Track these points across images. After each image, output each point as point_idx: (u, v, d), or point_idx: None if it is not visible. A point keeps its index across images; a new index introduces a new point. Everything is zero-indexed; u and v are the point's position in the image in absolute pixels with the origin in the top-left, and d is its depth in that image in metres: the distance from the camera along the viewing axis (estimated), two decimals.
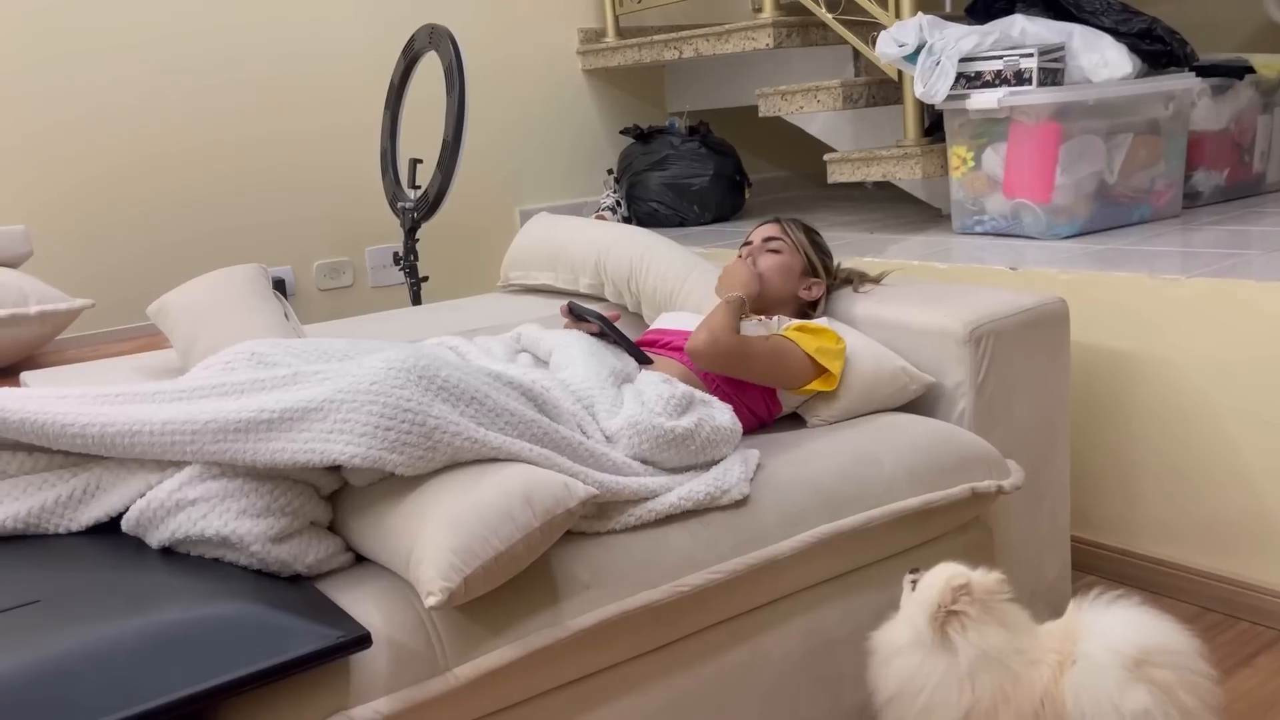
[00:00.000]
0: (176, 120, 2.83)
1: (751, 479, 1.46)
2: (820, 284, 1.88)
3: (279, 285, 2.94)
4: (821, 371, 1.66)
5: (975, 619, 1.26)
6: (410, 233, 2.74)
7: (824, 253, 1.92)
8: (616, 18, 3.45)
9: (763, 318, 1.79)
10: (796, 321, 1.75)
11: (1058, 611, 1.88)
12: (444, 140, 2.56)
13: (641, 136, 3.38)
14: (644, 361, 1.65)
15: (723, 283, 1.77)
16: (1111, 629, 1.25)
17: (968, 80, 2.42)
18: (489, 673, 1.19)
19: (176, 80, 2.81)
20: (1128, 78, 2.43)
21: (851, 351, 1.72)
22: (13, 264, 2.34)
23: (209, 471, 1.22)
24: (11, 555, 1.22)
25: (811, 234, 1.92)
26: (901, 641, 1.31)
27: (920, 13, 2.54)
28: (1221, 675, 1.72)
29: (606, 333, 1.67)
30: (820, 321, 1.78)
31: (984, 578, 1.29)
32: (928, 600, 1.28)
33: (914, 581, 1.34)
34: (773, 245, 1.87)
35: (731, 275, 1.78)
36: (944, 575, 1.29)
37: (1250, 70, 2.66)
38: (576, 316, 1.72)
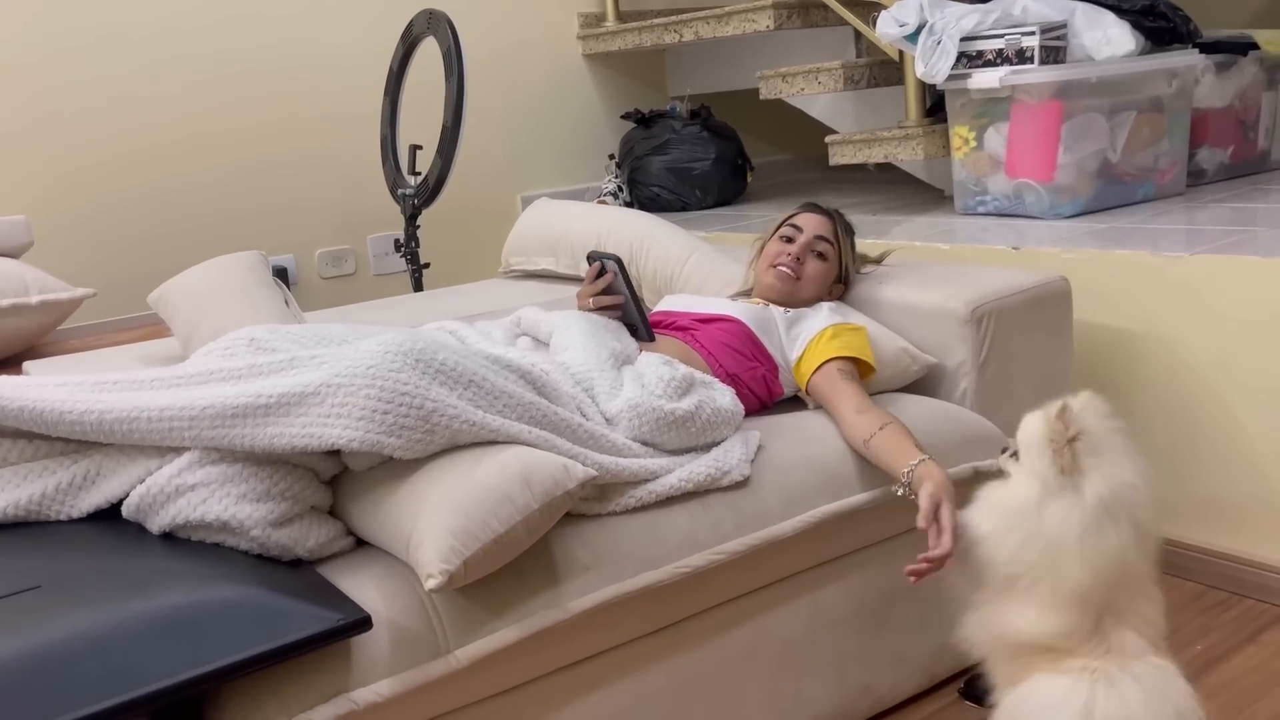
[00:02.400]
0: (178, 110, 2.82)
1: (753, 460, 1.46)
2: (842, 289, 1.85)
3: (280, 273, 2.94)
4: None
5: (1092, 449, 1.17)
6: (411, 219, 2.74)
7: (854, 255, 1.88)
8: (616, 1, 3.44)
9: (787, 310, 1.76)
10: (828, 328, 1.68)
11: None
12: (444, 126, 2.56)
13: (642, 121, 3.37)
14: (647, 335, 1.65)
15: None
16: (1127, 694, 1.15)
17: (969, 59, 2.40)
18: (490, 655, 1.19)
19: (178, 71, 2.81)
20: (1130, 55, 2.41)
21: None
22: (14, 254, 2.35)
23: (208, 457, 1.22)
24: (13, 542, 1.22)
25: (852, 236, 1.87)
26: (1021, 500, 1.21)
27: None
28: (1227, 653, 1.73)
29: (622, 277, 1.65)
30: (834, 308, 1.75)
31: (1085, 401, 1.21)
32: (1038, 441, 1.19)
33: (1012, 453, 1.27)
34: (821, 249, 1.79)
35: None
36: (1041, 416, 1.21)
37: (1254, 46, 2.63)
38: (595, 261, 1.72)
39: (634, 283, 1.69)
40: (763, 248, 1.86)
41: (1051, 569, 1.18)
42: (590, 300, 1.70)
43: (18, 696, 0.95)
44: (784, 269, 1.77)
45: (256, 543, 1.19)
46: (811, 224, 1.82)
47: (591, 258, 1.72)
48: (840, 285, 1.85)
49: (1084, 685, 1.15)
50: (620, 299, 1.67)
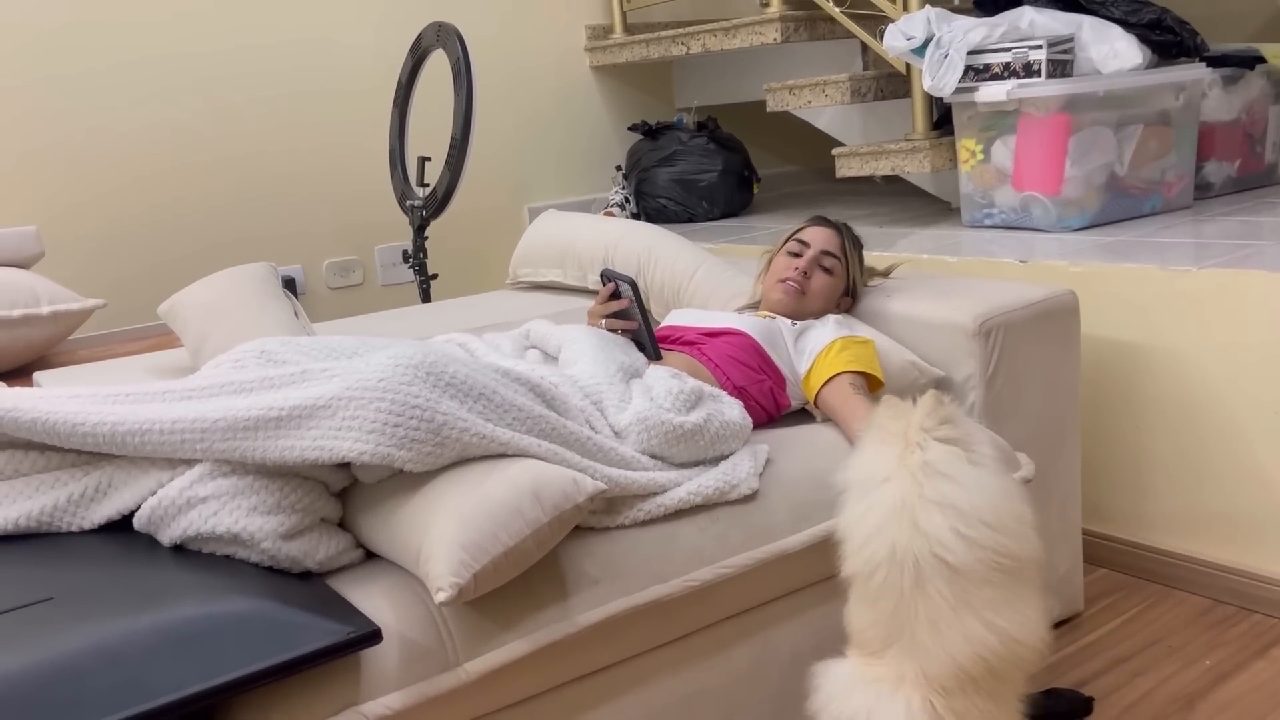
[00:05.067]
0: (189, 117, 2.84)
1: (761, 473, 1.46)
2: (849, 301, 1.85)
3: (289, 284, 2.95)
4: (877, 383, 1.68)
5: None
6: (419, 231, 2.75)
7: (862, 268, 1.88)
8: (624, 14, 3.45)
9: (794, 322, 1.76)
10: (836, 341, 1.67)
11: (1070, 606, 1.89)
12: (452, 138, 2.57)
13: (649, 132, 3.38)
14: (654, 354, 1.65)
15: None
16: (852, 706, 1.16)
17: (976, 73, 2.41)
18: (499, 668, 1.19)
19: (193, 90, 2.82)
20: (1137, 69, 2.41)
21: None
22: (25, 265, 2.36)
23: (219, 469, 1.23)
24: (25, 553, 1.22)
25: (860, 250, 1.87)
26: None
27: (928, 5, 2.53)
28: (1235, 669, 1.72)
29: (635, 301, 1.66)
30: (841, 321, 1.76)
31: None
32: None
33: None
34: (828, 263, 1.79)
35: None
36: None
37: (1261, 60, 2.64)
38: (609, 280, 1.72)
39: (645, 303, 1.69)
40: (770, 261, 1.86)
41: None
42: (602, 322, 1.71)
43: (30, 709, 0.95)
44: (791, 284, 1.77)
45: (267, 555, 1.20)
46: (819, 238, 1.82)
47: (606, 276, 1.73)
48: (848, 298, 1.85)
49: (843, 682, 1.17)
50: (634, 325, 1.67)
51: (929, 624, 1.12)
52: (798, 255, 1.81)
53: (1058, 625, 1.89)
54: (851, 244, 1.85)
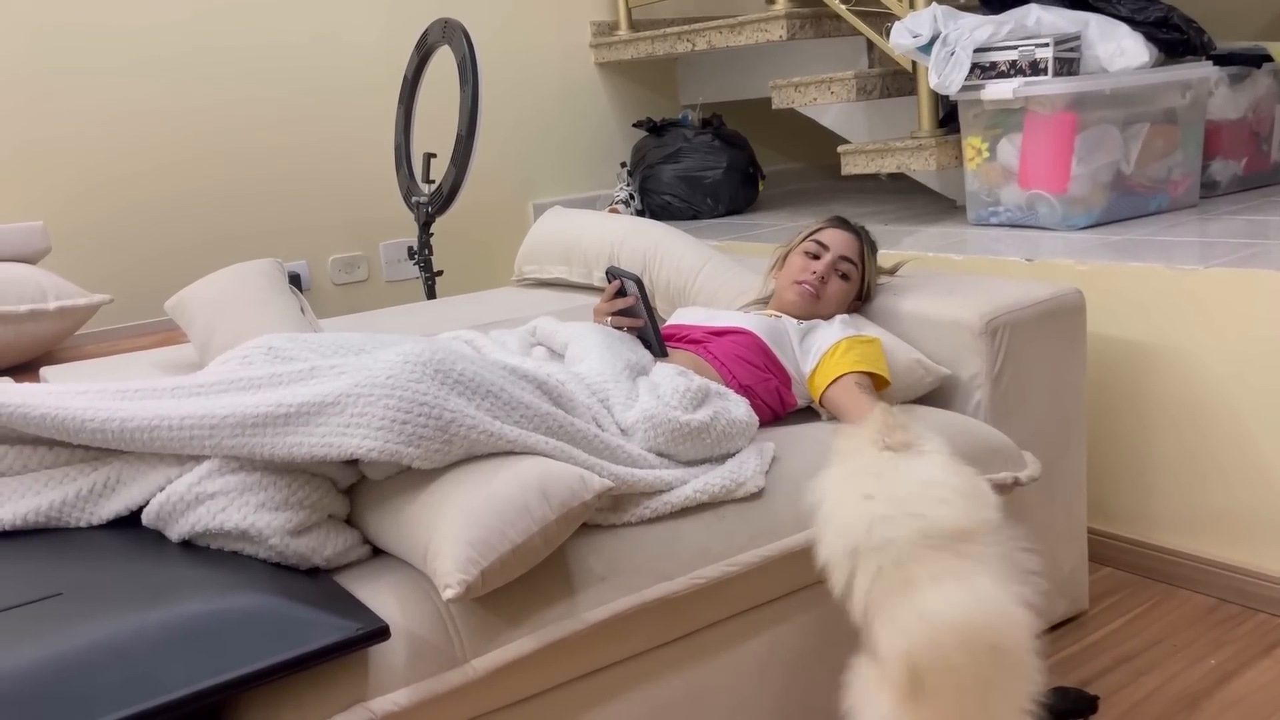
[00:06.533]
0: (195, 113, 2.84)
1: (767, 471, 1.46)
2: (859, 304, 1.85)
3: (294, 280, 2.95)
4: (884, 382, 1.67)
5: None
6: (424, 227, 2.75)
7: (875, 273, 1.87)
8: (629, 10, 3.45)
9: (800, 321, 1.76)
10: (843, 340, 1.67)
11: (1075, 605, 1.89)
12: (457, 134, 2.57)
13: (654, 129, 3.38)
14: (660, 352, 1.65)
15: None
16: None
17: (982, 70, 2.40)
18: (506, 665, 1.20)
19: (199, 86, 2.83)
20: (1144, 67, 2.41)
21: None
22: (32, 260, 2.36)
23: (228, 465, 1.23)
24: (33, 549, 1.23)
25: (875, 254, 1.86)
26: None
27: (934, 3, 2.52)
28: (1240, 668, 1.72)
29: (641, 299, 1.66)
30: (847, 321, 1.76)
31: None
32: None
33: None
34: (845, 269, 1.78)
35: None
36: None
37: (1268, 59, 2.63)
38: (615, 279, 1.72)
39: (650, 300, 1.69)
40: (785, 257, 1.86)
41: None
42: (608, 319, 1.71)
43: (39, 704, 0.95)
44: (806, 287, 1.76)
45: (274, 551, 1.20)
46: (838, 242, 1.80)
47: (611, 274, 1.72)
48: (859, 301, 1.84)
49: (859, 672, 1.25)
50: (640, 322, 1.67)
51: (861, 610, 1.24)
52: (815, 257, 1.79)
53: (1062, 624, 1.89)
54: (869, 249, 1.84)
